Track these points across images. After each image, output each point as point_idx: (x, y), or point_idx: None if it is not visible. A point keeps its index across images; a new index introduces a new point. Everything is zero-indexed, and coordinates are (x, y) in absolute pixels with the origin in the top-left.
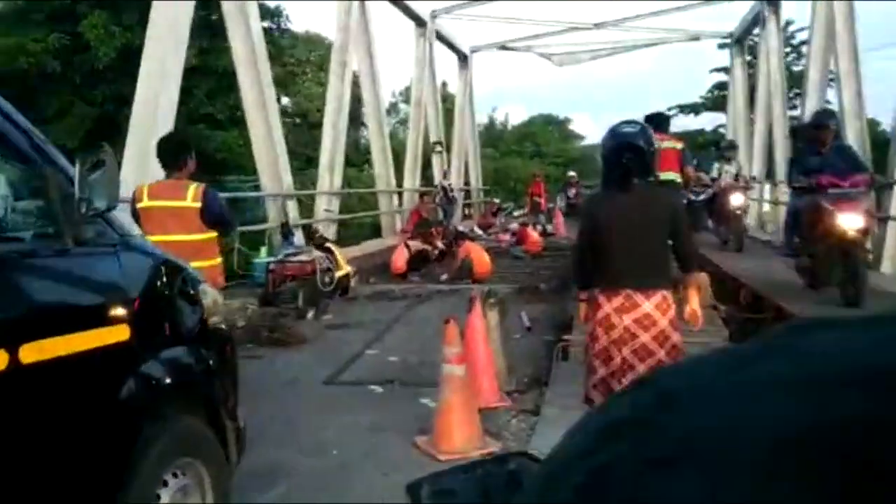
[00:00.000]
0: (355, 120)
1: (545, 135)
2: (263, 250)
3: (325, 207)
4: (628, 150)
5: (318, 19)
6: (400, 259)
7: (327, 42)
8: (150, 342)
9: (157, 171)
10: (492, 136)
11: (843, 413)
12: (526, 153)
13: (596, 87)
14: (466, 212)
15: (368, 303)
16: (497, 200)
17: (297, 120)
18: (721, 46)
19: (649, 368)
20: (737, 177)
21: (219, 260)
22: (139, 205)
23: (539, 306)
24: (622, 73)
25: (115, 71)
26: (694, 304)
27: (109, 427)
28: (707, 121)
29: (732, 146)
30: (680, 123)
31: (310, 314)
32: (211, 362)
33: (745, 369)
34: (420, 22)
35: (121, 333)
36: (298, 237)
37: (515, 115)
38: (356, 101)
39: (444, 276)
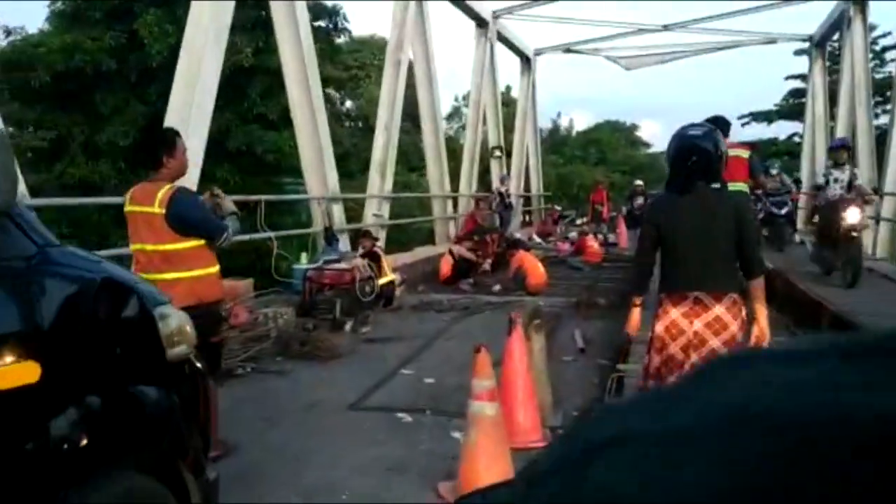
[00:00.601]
0: (419, 123)
1: (611, 141)
2: (304, 256)
3: (375, 212)
4: (694, 153)
5: (383, 23)
6: (445, 266)
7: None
8: (74, 382)
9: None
10: (556, 142)
11: (754, 482)
12: (590, 160)
13: (664, 93)
14: (526, 218)
15: (412, 314)
16: (558, 208)
17: (360, 124)
18: (798, 53)
19: None
20: (850, 186)
21: (214, 269)
22: (125, 209)
23: (596, 324)
24: (692, 78)
25: (167, 69)
26: (762, 320)
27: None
28: (781, 130)
29: (845, 146)
30: (752, 132)
31: (348, 325)
32: (168, 403)
33: (666, 418)
34: (481, 22)
35: (26, 373)
36: (344, 243)
37: (581, 120)
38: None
39: (497, 287)
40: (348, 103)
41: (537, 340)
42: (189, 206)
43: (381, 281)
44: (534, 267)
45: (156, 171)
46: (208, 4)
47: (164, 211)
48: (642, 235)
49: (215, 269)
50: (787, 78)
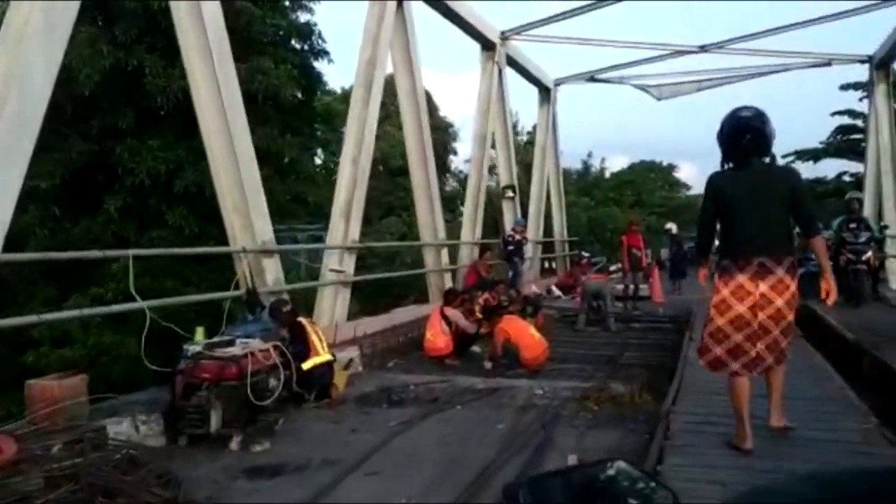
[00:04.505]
0: (442, 165)
1: (647, 183)
2: (200, 332)
3: (333, 267)
4: (749, 132)
5: None
6: (438, 337)
7: None
8: None
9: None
10: (587, 184)
11: None
12: (625, 202)
13: (700, 127)
14: (548, 265)
15: (352, 413)
16: (586, 254)
17: (381, 167)
18: (843, 87)
19: (782, 331)
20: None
21: None
22: None
23: (607, 434)
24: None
25: (109, 96)
26: (828, 276)
27: None
28: (828, 168)
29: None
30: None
31: (234, 442)
32: None
33: None
34: (487, 45)
35: None
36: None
37: (615, 161)
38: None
39: (488, 364)
40: None
41: None
42: None
43: (308, 364)
44: (524, 336)
45: None
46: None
47: None
48: (704, 207)
49: None
50: (834, 114)
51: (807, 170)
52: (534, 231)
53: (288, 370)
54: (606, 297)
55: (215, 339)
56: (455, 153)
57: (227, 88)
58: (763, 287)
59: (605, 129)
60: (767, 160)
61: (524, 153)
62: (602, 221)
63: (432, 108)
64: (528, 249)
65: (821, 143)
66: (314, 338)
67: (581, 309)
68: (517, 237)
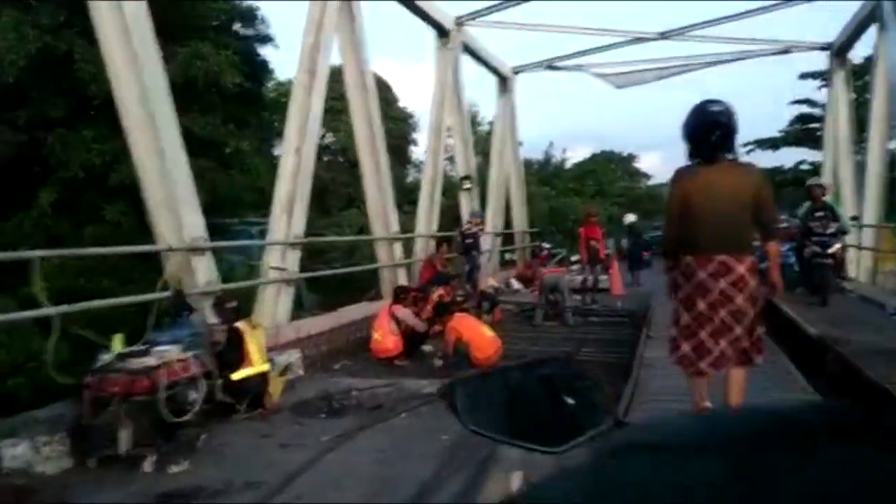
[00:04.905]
0: (402, 156)
1: (607, 173)
2: (118, 340)
3: (274, 265)
4: (717, 128)
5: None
6: (386, 337)
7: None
8: None
9: None
10: (548, 174)
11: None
12: (586, 192)
13: (661, 117)
14: (509, 257)
15: (286, 423)
16: (547, 245)
17: (340, 158)
18: (803, 76)
19: (745, 329)
20: None
21: None
22: None
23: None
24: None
25: (36, 85)
26: (776, 276)
27: None
28: (786, 157)
29: None
30: (756, 160)
31: (147, 463)
32: None
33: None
34: (442, 31)
35: None
36: (208, 313)
37: (578, 152)
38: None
39: (438, 361)
40: (329, 136)
41: None
42: None
43: (240, 375)
44: (477, 335)
45: None
46: None
47: None
48: (671, 206)
49: None
50: (793, 103)
51: (766, 158)
52: (493, 223)
53: (211, 380)
54: (564, 290)
55: (129, 349)
56: (416, 144)
57: (149, 73)
58: (723, 284)
59: (568, 120)
60: (733, 157)
61: (486, 143)
62: (563, 212)
63: (391, 98)
64: (487, 241)
65: (780, 131)
66: (251, 346)
67: (539, 303)
68: (474, 229)
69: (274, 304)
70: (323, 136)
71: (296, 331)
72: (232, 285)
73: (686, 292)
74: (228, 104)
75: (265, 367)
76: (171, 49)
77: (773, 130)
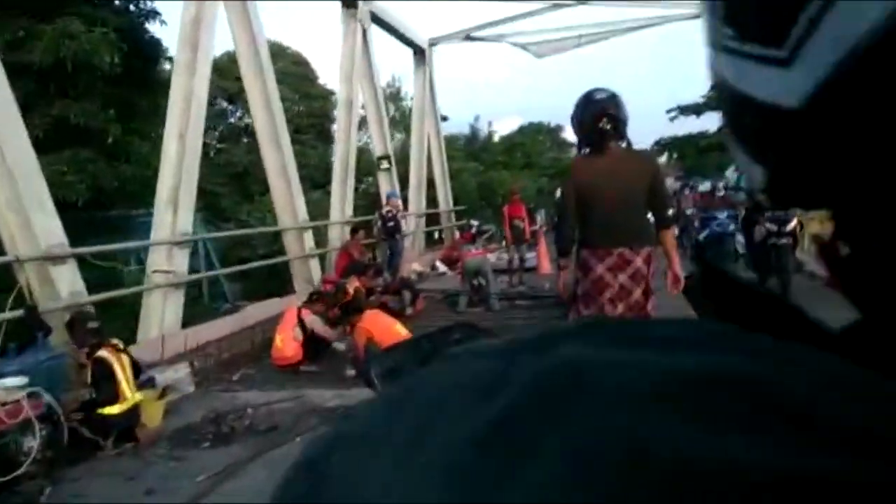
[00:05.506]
0: (326, 135)
1: (536, 145)
2: None
3: (158, 268)
4: (605, 116)
5: (288, 29)
6: (287, 344)
7: (289, 51)
8: None
9: None
10: (475, 149)
11: None
12: (515, 165)
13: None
14: (437, 237)
15: (156, 463)
16: (475, 223)
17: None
18: None
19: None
20: None
21: None
22: None
23: None
24: (613, 66)
25: None
26: (676, 267)
27: None
28: (711, 122)
29: None
30: (680, 126)
31: None
32: None
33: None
34: (348, 1)
35: None
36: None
37: (506, 124)
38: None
39: (351, 372)
40: (248, 118)
41: None
42: None
43: (112, 410)
44: (390, 335)
45: None
46: None
47: None
48: (565, 198)
49: None
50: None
51: (690, 123)
52: (416, 203)
53: (55, 422)
54: (488, 273)
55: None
56: None
57: None
58: (622, 278)
59: (494, 92)
60: (624, 144)
61: (407, 120)
62: (492, 186)
63: (312, 76)
64: (409, 223)
65: (702, 96)
66: (120, 374)
67: (462, 289)
68: (394, 212)
69: (161, 312)
70: (241, 117)
71: (187, 340)
72: (101, 296)
73: (584, 288)
74: (110, 87)
75: (137, 397)
76: (37, 28)
77: (696, 96)
